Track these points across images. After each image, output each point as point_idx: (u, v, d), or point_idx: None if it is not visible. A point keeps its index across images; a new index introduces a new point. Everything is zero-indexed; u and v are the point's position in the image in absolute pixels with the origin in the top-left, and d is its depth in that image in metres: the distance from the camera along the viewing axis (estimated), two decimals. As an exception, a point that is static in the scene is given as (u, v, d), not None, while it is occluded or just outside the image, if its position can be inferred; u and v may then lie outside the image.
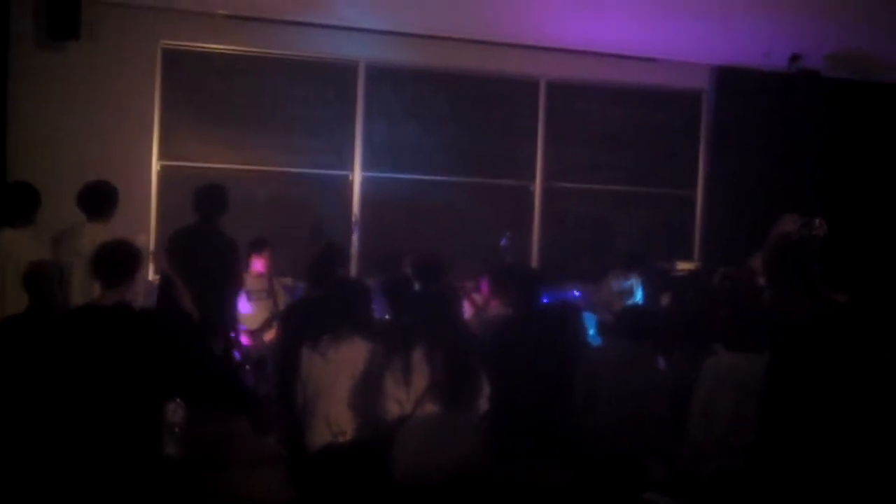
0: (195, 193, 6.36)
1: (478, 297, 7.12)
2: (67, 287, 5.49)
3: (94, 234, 5.75)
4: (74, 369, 4.29)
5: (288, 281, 7.52)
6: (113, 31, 7.63)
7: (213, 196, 6.32)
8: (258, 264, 7.34)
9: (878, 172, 9.50)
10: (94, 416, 4.21)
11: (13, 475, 3.80)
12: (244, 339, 7.14)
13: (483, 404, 4.65)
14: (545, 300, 5.90)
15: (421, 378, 4.48)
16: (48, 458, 3.99)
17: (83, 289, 5.59)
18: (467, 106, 8.77)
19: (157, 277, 6.60)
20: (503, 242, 8.06)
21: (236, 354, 6.84)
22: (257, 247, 7.35)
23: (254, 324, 7.24)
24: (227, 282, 6.25)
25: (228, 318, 6.32)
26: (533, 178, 9.01)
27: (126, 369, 4.33)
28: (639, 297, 8.09)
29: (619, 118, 9.23)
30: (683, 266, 8.70)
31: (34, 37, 7.45)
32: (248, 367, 6.53)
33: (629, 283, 8.19)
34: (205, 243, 6.19)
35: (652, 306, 7.38)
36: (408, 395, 4.48)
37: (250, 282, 7.33)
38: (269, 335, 6.94)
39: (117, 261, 4.47)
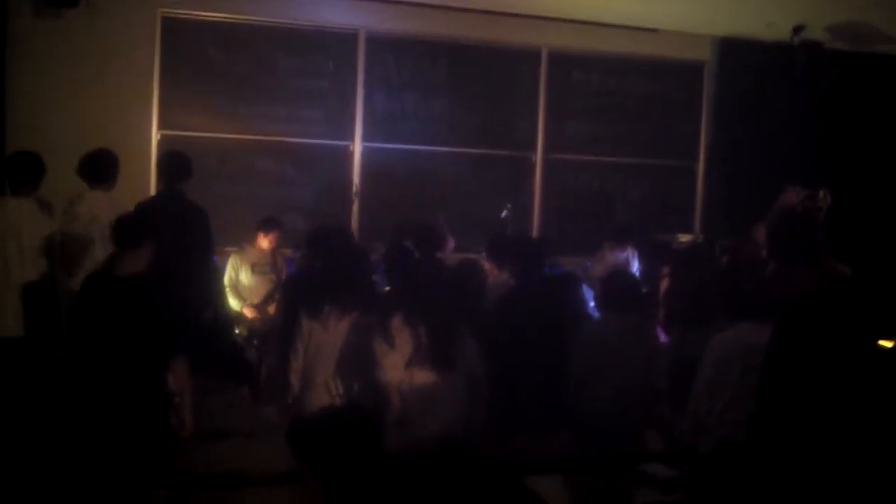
0: (158, 161, 6.25)
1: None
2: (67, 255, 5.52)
3: (95, 203, 5.74)
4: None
5: (287, 252, 7.50)
6: (112, -2, 7.56)
7: (176, 163, 6.19)
8: (264, 242, 7.29)
9: (881, 144, 9.45)
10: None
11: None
12: (247, 312, 7.13)
13: (472, 371, 4.62)
14: (546, 272, 5.89)
15: (406, 344, 4.48)
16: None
17: (84, 257, 5.59)
18: (469, 76, 8.72)
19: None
20: (504, 214, 8.04)
21: (235, 328, 6.82)
22: (266, 227, 7.29)
23: (257, 297, 7.23)
24: (198, 248, 6.03)
25: (207, 284, 6.15)
26: (534, 148, 8.97)
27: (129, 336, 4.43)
28: (635, 269, 8.06)
29: (622, 89, 9.18)
30: (684, 238, 8.67)
31: (32, 5, 7.36)
32: (255, 340, 6.51)
33: (625, 254, 8.16)
34: (170, 211, 5.98)
35: (649, 278, 7.34)
36: (396, 363, 4.47)
37: (254, 255, 7.30)
38: (272, 308, 6.92)
39: (134, 225, 4.78)
